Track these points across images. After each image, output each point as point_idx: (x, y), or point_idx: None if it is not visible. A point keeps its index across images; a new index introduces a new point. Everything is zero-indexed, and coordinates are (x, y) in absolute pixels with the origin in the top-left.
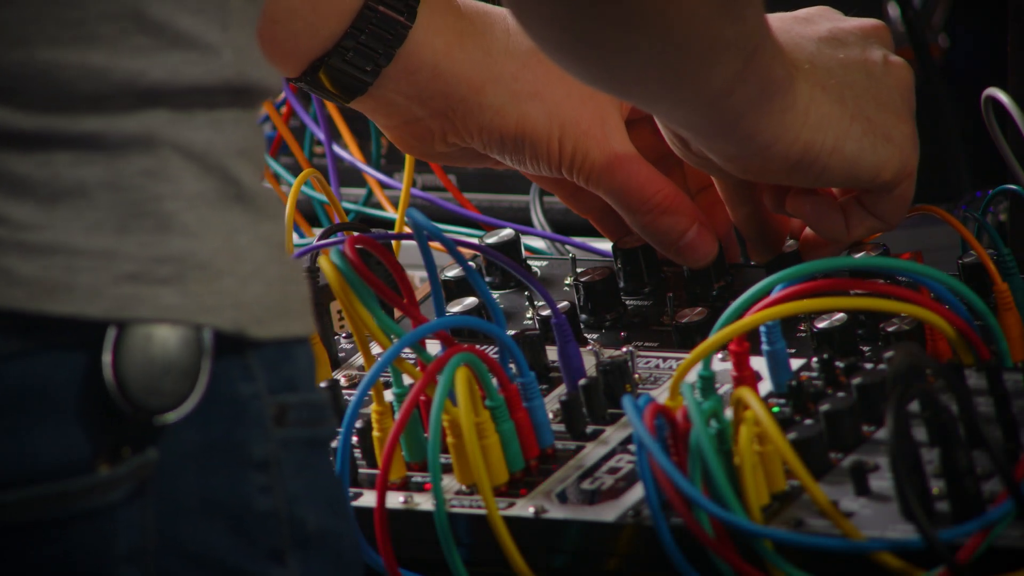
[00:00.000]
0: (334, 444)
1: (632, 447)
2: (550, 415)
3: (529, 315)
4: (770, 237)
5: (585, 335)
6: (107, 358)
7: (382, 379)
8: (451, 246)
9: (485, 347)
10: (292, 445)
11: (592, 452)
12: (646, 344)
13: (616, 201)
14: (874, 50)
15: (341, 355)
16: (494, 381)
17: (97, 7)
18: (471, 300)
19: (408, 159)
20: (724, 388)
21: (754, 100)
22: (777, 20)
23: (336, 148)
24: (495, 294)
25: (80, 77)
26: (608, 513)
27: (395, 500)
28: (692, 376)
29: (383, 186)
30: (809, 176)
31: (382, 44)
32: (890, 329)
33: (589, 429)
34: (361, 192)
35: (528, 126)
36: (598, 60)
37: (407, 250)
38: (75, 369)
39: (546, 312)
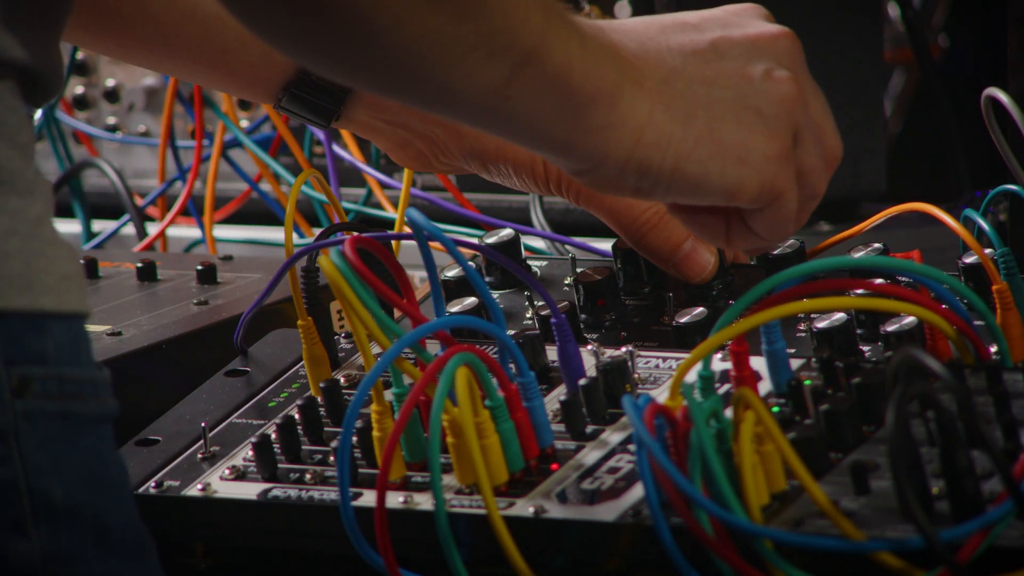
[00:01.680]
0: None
1: (632, 447)
2: (550, 415)
3: (529, 315)
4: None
5: (585, 335)
6: None
7: (382, 379)
8: (451, 246)
9: (485, 347)
10: (36, 417)
11: (590, 453)
12: (646, 344)
13: (607, 220)
14: (755, 64)
15: (341, 355)
16: (494, 381)
17: None
18: (471, 300)
19: None
20: (724, 388)
21: (552, 111)
22: (655, 27)
23: (336, 148)
24: (495, 294)
25: None
26: (608, 513)
27: (395, 500)
28: (692, 376)
29: (383, 186)
30: (655, 194)
31: None
32: (890, 329)
33: (589, 429)
34: (361, 192)
35: (509, 151)
36: (318, 57)
37: (407, 250)
38: None
39: (546, 312)
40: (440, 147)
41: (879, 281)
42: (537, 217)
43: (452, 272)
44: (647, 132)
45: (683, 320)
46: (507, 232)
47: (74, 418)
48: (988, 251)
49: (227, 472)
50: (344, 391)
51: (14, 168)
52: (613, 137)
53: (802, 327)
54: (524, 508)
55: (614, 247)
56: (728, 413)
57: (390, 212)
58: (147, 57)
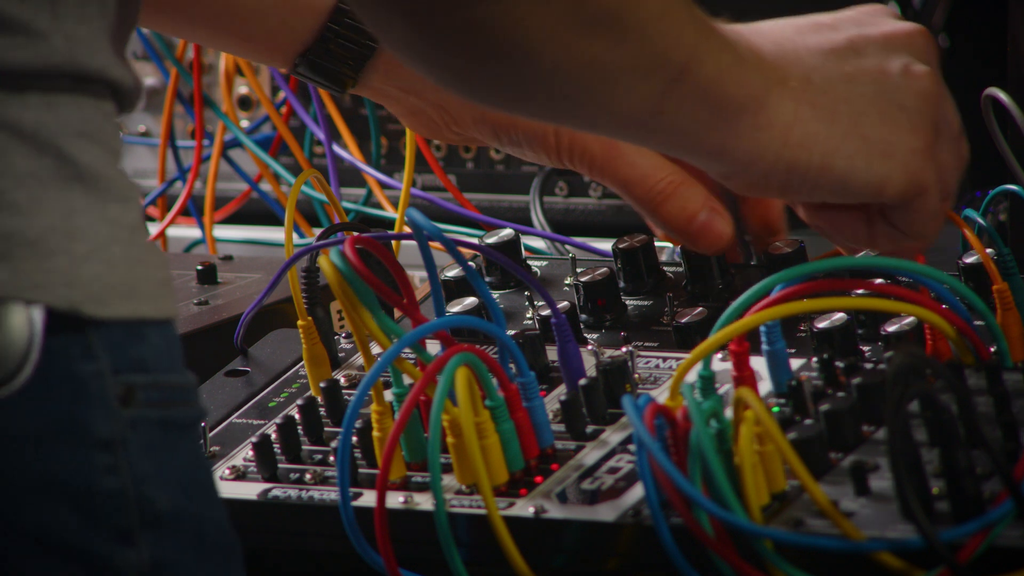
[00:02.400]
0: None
1: (632, 447)
2: (550, 415)
3: (529, 315)
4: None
5: (585, 335)
6: None
7: (382, 379)
8: (451, 246)
9: (485, 347)
10: (141, 425)
11: (591, 453)
12: (646, 344)
13: (621, 191)
14: (893, 60)
15: (341, 355)
16: (494, 381)
17: None
18: (471, 300)
19: (408, 159)
20: (724, 388)
21: (705, 120)
22: (789, 28)
23: (336, 148)
24: (495, 294)
25: None
26: (608, 513)
27: (395, 500)
28: (692, 376)
29: (383, 186)
30: (801, 193)
31: (361, 37)
32: (890, 329)
33: (589, 429)
34: (361, 192)
35: (521, 121)
36: (473, 88)
37: (407, 250)
38: None
39: (546, 312)
40: (452, 115)
41: (879, 281)
42: (537, 217)
43: (452, 272)
44: (794, 131)
45: (683, 320)
46: (507, 232)
47: (173, 425)
48: (988, 251)
49: (227, 472)
50: (344, 391)
51: (112, 176)
52: (763, 139)
53: (802, 327)
54: (524, 508)
55: (614, 247)
56: (728, 413)
57: (390, 212)
58: (164, 21)
